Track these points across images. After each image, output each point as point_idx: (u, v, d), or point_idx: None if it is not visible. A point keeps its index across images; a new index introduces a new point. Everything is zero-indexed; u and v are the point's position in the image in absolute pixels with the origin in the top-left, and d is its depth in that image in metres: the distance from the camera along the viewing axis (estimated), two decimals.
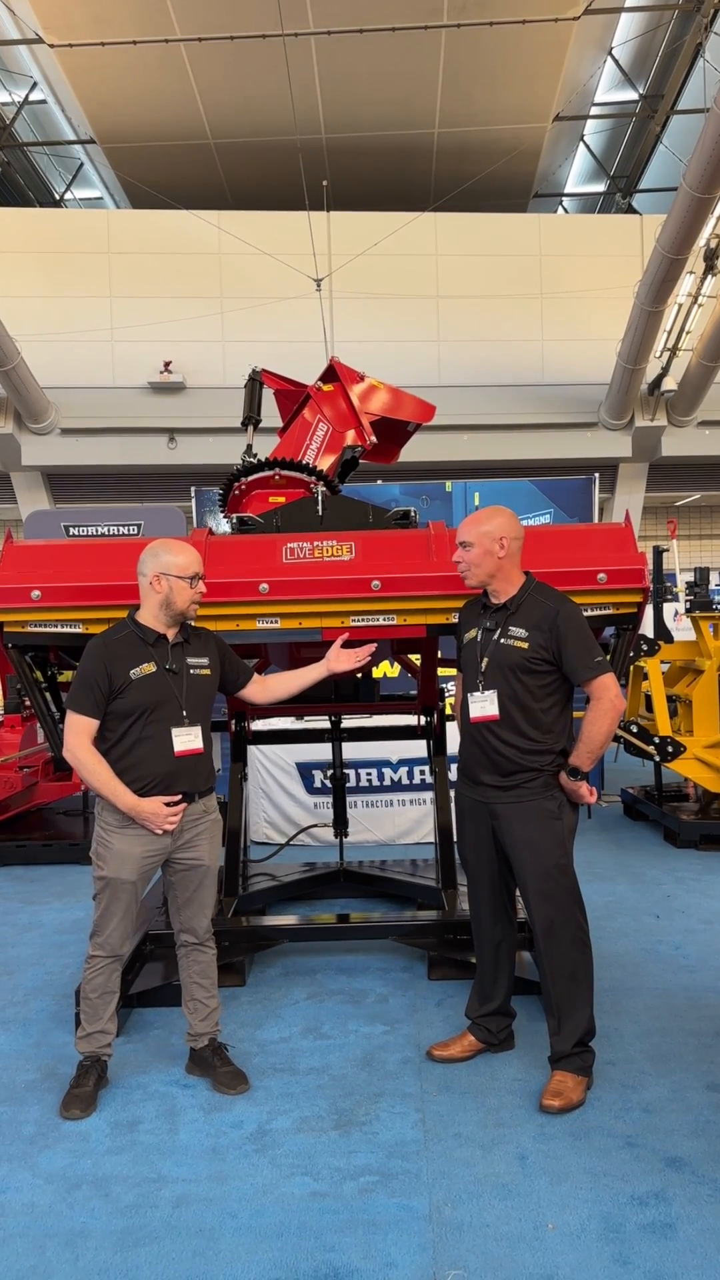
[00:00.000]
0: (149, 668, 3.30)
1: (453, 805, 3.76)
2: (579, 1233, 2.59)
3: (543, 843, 3.35)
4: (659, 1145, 2.99)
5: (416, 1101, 3.29)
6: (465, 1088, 3.38)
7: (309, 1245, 2.57)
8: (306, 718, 5.63)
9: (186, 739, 3.33)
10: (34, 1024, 4.04)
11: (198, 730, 3.36)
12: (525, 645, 3.33)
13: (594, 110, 15.97)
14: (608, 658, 3.69)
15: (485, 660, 3.39)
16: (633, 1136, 3.04)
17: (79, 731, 3.28)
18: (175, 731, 3.31)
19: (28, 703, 5.90)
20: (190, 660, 3.39)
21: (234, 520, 4.25)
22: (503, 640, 3.37)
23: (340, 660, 3.56)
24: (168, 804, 3.29)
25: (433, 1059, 3.58)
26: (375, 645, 3.65)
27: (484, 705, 3.38)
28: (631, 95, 15.35)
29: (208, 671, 3.43)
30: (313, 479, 4.40)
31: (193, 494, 9.14)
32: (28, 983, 4.51)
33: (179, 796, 3.32)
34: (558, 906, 3.36)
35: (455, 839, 3.86)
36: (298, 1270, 2.47)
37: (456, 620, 3.66)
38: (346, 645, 3.66)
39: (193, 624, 3.49)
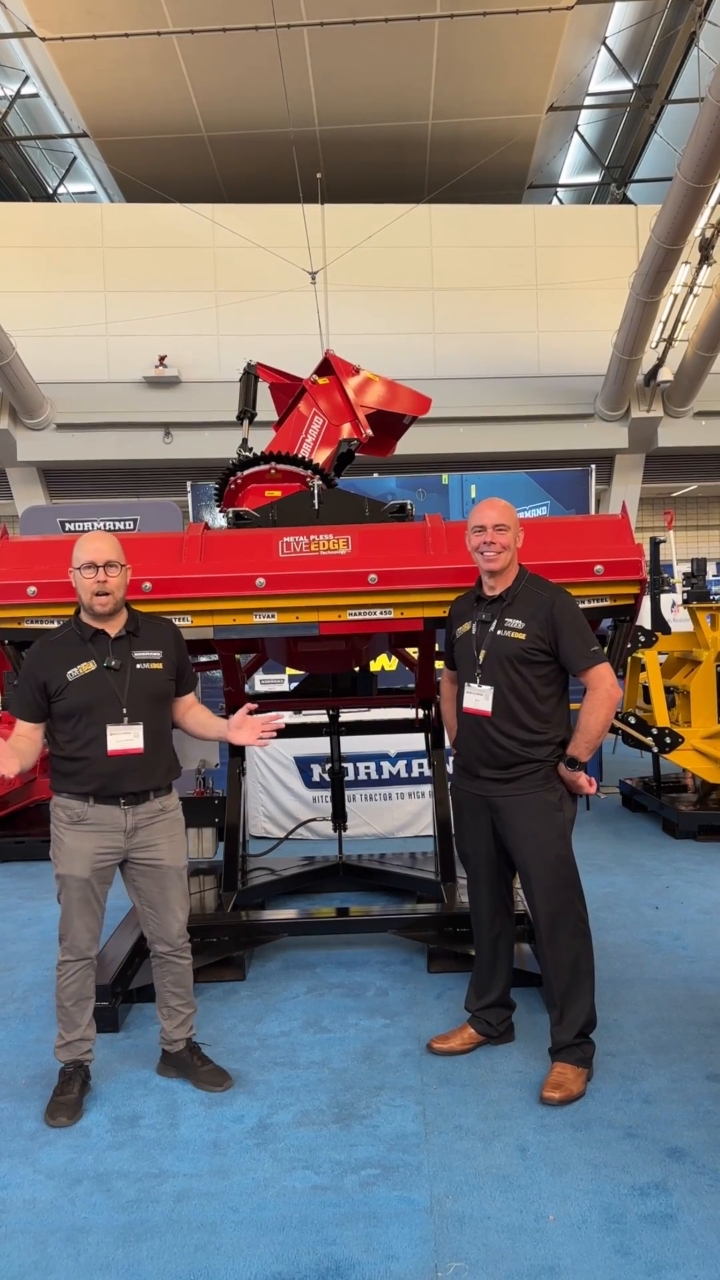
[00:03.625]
0: (87, 666, 3.25)
1: (451, 799, 3.76)
2: (580, 1224, 2.59)
3: (544, 835, 3.36)
4: (659, 1136, 2.99)
5: (417, 1094, 3.30)
6: (466, 1080, 3.38)
7: (310, 1239, 2.57)
8: (304, 712, 5.63)
9: (123, 738, 3.24)
10: (34, 1020, 4.04)
11: (138, 729, 3.26)
12: (522, 636, 3.34)
13: (588, 100, 15.90)
14: (604, 649, 3.69)
15: (483, 653, 3.39)
16: (633, 1127, 3.05)
17: (14, 734, 3.29)
18: (111, 730, 3.23)
19: None
20: (137, 654, 3.31)
21: (230, 515, 4.24)
22: (499, 632, 3.37)
23: (241, 734, 3.37)
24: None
25: (433, 1052, 3.58)
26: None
27: (478, 699, 3.38)
28: (626, 85, 15.28)
29: (159, 665, 3.33)
30: (309, 473, 4.39)
31: (189, 489, 9.11)
32: (28, 979, 4.51)
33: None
34: (560, 898, 3.36)
35: (454, 832, 3.86)
36: (299, 1264, 2.48)
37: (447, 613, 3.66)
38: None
39: (145, 614, 3.43)
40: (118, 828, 3.29)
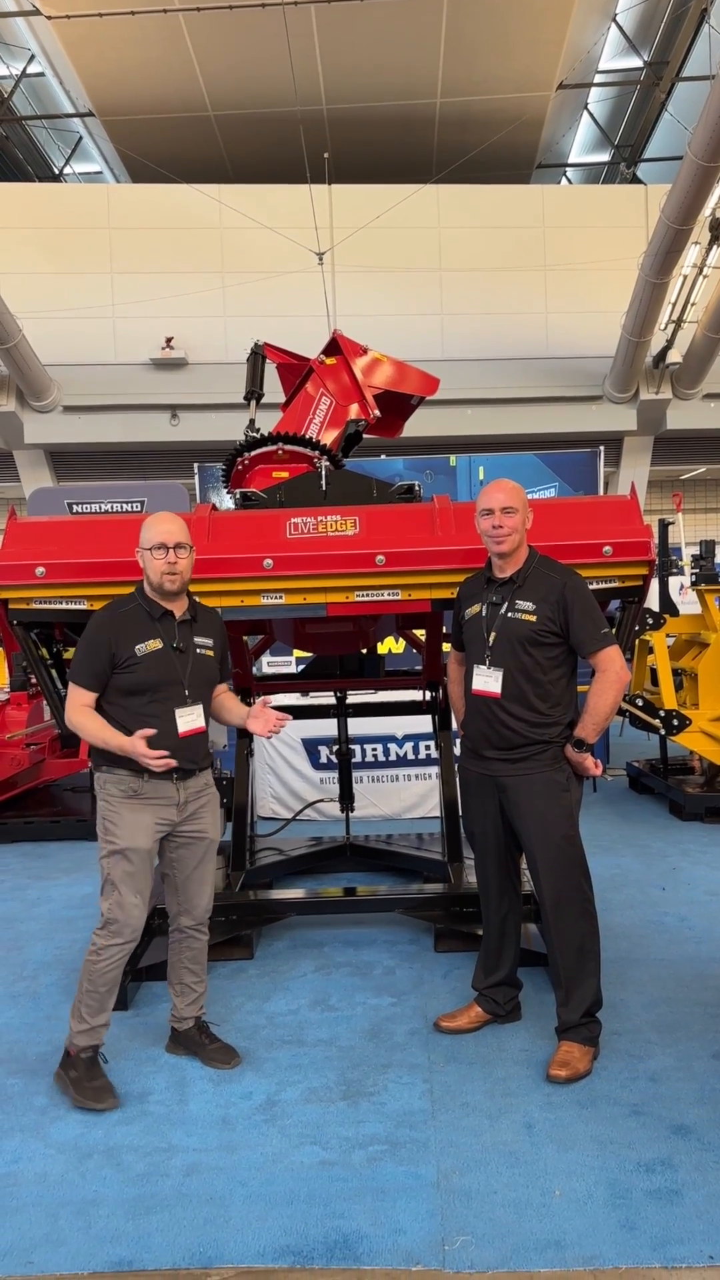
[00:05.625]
0: (155, 644, 3.28)
1: (458, 779, 3.76)
2: (586, 1199, 2.61)
3: (551, 815, 3.36)
4: (665, 1113, 3.01)
5: (424, 1072, 3.32)
6: (472, 1058, 3.40)
7: (318, 1213, 2.59)
8: (312, 694, 5.64)
9: (190, 719, 3.31)
10: (44, 998, 4.07)
11: (199, 709, 3.34)
12: (533, 618, 3.33)
13: (598, 78, 15.76)
14: (613, 630, 3.68)
15: (493, 635, 3.38)
16: (639, 1105, 3.07)
17: (78, 703, 3.27)
18: (179, 712, 3.29)
19: (34, 680, 5.91)
20: (197, 639, 3.37)
21: (237, 496, 4.24)
22: (510, 614, 3.36)
23: (255, 724, 3.41)
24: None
25: (440, 1030, 3.60)
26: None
27: (487, 680, 3.38)
28: (636, 62, 15.15)
29: (211, 652, 3.41)
30: (316, 453, 4.38)
31: (196, 470, 9.12)
32: (37, 957, 4.54)
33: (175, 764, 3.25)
34: (565, 878, 3.37)
35: (461, 812, 3.86)
36: (307, 1237, 2.50)
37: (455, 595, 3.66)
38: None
39: (200, 602, 3.48)
40: (171, 801, 3.31)
